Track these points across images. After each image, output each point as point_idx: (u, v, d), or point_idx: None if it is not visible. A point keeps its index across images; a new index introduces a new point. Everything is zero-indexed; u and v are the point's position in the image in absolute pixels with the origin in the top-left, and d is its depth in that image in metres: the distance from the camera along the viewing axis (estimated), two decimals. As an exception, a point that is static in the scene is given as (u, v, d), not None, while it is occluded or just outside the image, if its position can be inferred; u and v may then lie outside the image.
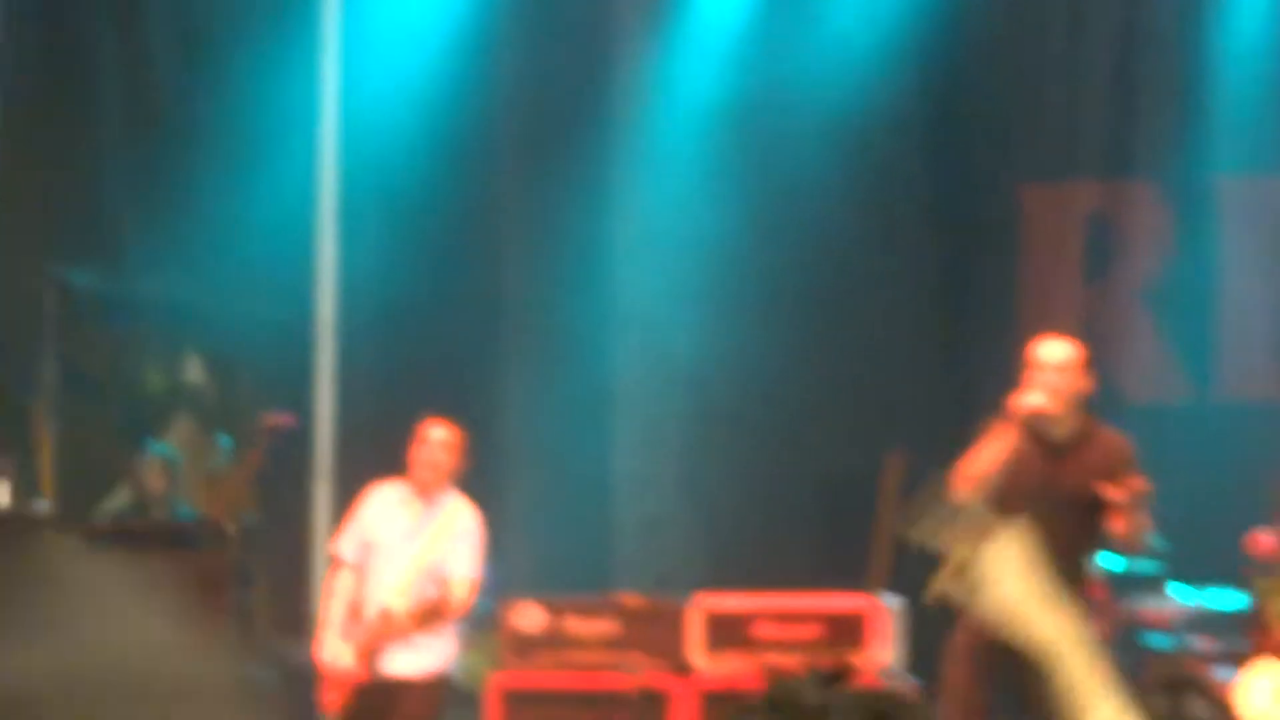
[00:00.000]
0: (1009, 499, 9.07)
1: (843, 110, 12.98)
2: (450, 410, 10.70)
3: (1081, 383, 9.36)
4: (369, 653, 10.34)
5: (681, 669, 10.80)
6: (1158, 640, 11.00)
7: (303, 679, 11.17)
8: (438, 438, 10.31)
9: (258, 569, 12.08)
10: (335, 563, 10.65)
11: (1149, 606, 11.12)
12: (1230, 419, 12.40)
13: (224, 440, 13.24)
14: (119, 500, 12.80)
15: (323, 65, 13.36)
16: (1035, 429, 9.21)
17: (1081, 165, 13.27)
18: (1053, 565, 8.07)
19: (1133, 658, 10.52)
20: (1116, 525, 9.14)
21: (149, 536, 12.11)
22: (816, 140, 12.95)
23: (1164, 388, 12.98)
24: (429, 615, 10.34)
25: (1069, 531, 9.06)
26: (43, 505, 12.24)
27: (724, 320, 13.09)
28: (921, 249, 13.27)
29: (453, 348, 13.08)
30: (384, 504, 10.49)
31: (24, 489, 12.17)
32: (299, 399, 12.91)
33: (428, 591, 10.35)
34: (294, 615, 12.47)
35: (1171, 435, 11.68)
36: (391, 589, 10.37)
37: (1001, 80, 13.37)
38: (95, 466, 13.09)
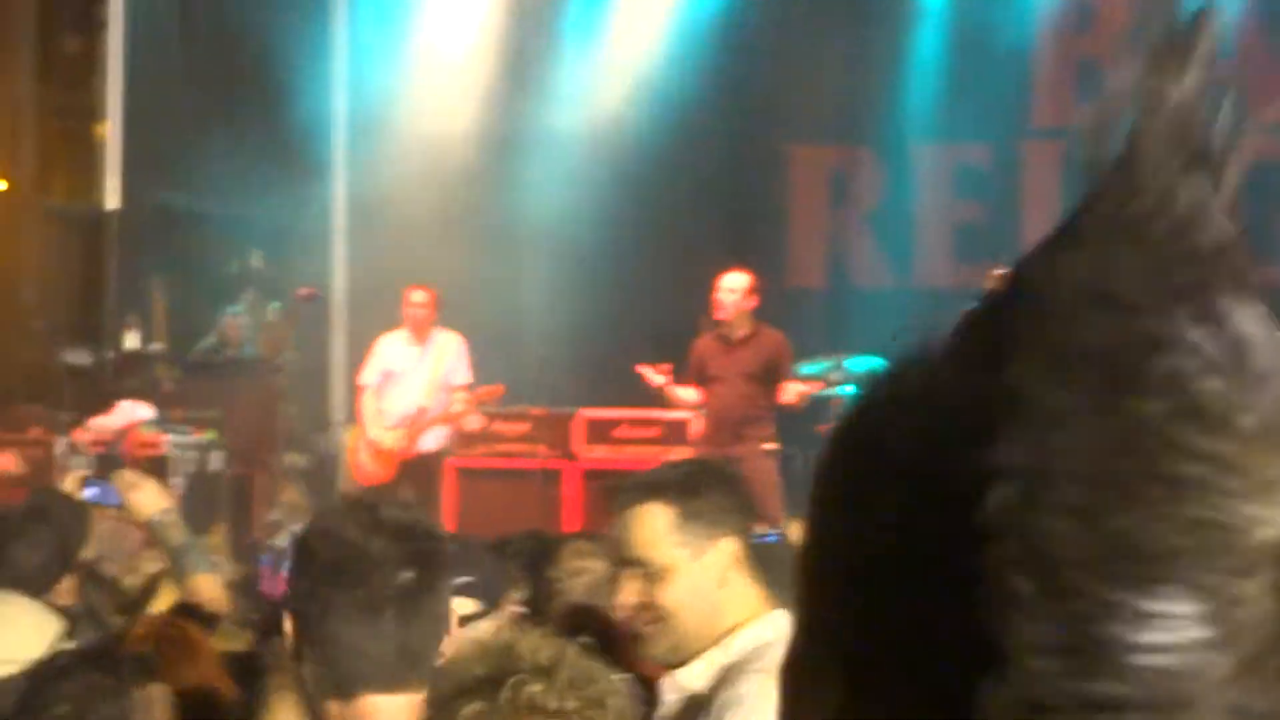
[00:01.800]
0: (706, 377, 10.91)
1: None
2: (418, 279, 12.42)
3: (750, 300, 10.69)
4: (412, 436, 12.11)
5: (569, 456, 12.26)
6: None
7: (326, 461, 13.97)
8: (417, 299, 12.19)
9: (294, 388, 13.84)
10: (360, 389, 12.50)
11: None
12: (923, 300, 13.42)
13: (274, 305, 14.20)
14: (208, 343, 14.04)
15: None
16: (721, 333, 10.93)
17: (827, 133, 14.64)
18: (735, 414, 10.52)
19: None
20: (784, 392, 10.70)
21: (226, 367, 13.77)
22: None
23: (879, 277, 14.32)
24: (451, 415, 12.10)
25: (742, 393, 10.75)
26: (158, 347, 13.63)
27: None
28: (718, 192, 14.34)
29: (422, 246, 13.73)
30: (393, 345, 12.24)
31: (146, 337, 13.66)
32: (322, 279, 14.69)
33: (440, 398, 12.04)
34: (319, 419, 14.64)
35: (883, 310, 12.34)
36: (418, 397, 12.06)
37: (768, 71, 14.21)
38: (193, 321, 14.08)
